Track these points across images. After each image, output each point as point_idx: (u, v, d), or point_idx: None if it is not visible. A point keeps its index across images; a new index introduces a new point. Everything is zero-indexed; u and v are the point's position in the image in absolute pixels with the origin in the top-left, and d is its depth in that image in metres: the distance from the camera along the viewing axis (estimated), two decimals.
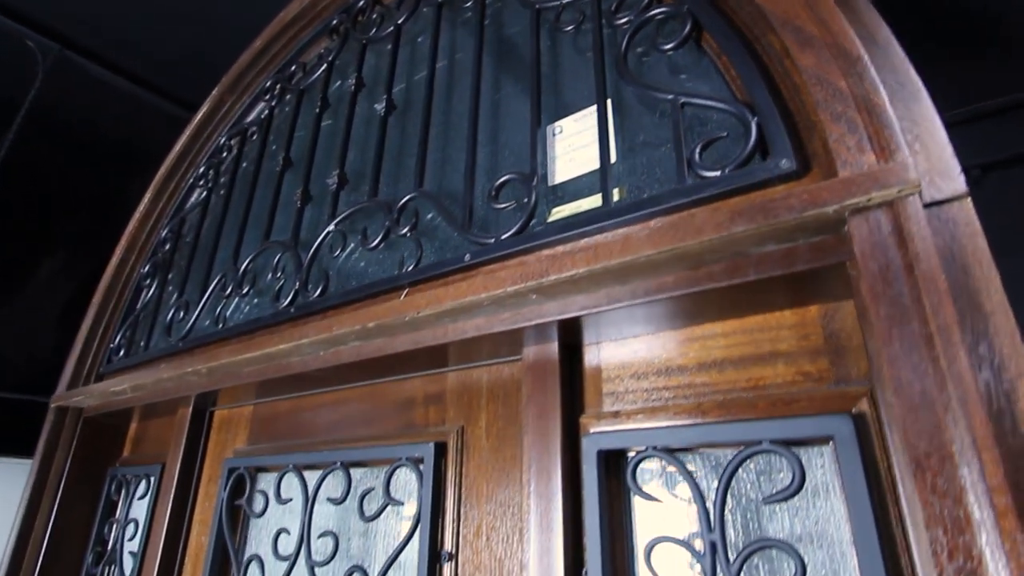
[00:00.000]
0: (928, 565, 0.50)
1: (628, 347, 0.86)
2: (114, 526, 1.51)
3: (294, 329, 1.05)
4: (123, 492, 1.54)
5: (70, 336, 1.72)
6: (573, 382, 0.88)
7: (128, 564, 1.39)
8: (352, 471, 1.09)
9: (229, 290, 1.36)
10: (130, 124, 2.67)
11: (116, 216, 2.38)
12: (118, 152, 2.67)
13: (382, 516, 1.04)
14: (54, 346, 2.53)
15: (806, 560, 0.65)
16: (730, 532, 0.71)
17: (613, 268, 0.71)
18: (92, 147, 2.59)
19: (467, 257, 0.93)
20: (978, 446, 0.46)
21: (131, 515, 1.46)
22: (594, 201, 0.88)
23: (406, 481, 1.06)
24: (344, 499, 1.07)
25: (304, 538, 1.08)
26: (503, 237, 0.90)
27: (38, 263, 2.46)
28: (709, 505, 0.70)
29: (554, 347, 0.88)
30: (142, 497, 1.45)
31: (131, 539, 1.43)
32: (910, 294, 0.54)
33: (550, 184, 0.95)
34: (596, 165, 0.91)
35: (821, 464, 0.70)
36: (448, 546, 0.92)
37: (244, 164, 1.65)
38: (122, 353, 1.60)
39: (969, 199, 0.55)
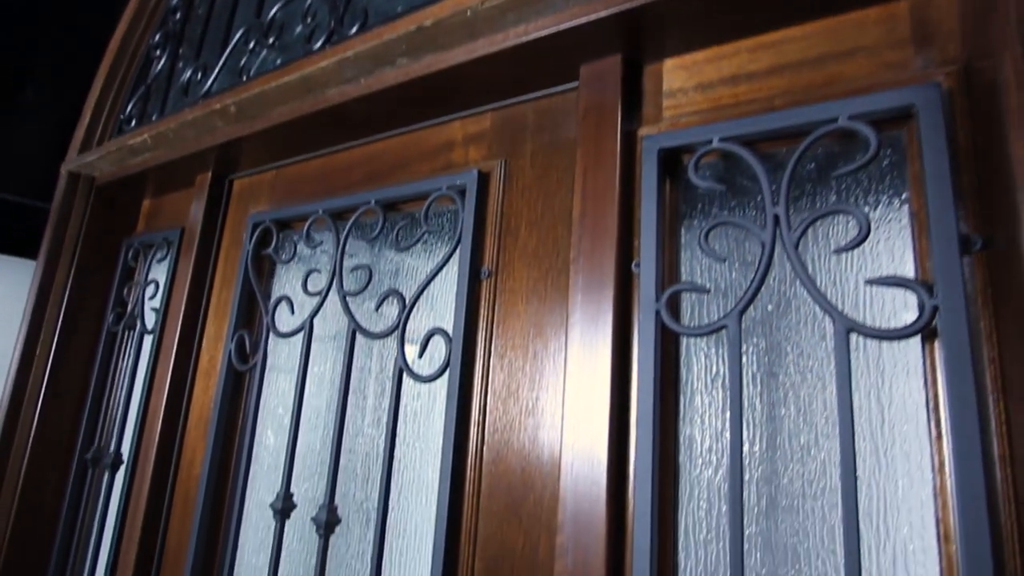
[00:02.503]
0: None
1: (693, 61, 0.83)
2: (134, 288, 1.52)
3: (336, 47, 1.00)
4: (141, 258, 1.54)
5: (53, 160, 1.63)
6: (632, 98, 0.86)
7: (150, 319, 1.41)
8: (388, 216, 1.08)
9: (253, 43, 1.29)
10: None
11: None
12: None
13: (416, 248, 1.05)
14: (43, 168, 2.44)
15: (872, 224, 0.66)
16: (792, 212, 0.71)
17: None
18: None
19: None
20: None
21: (151, 277, 1.47)
22: None
23: (441, 224, 1.06)
24: (379, 234, 1.07)
25: (336, 272, 1.08)
26: None
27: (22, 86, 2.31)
28: (775, 185, 0.70)
29: (616, 59, 0.85)
30: (162, 260, 1.45)
31: (152, 298, 1.45)
32: None
33: None
34: None
35: (889, 152, 0.70)
36: (487, 265, 0.93)
37: None
38: (133, 124, 1.54)
39: None
